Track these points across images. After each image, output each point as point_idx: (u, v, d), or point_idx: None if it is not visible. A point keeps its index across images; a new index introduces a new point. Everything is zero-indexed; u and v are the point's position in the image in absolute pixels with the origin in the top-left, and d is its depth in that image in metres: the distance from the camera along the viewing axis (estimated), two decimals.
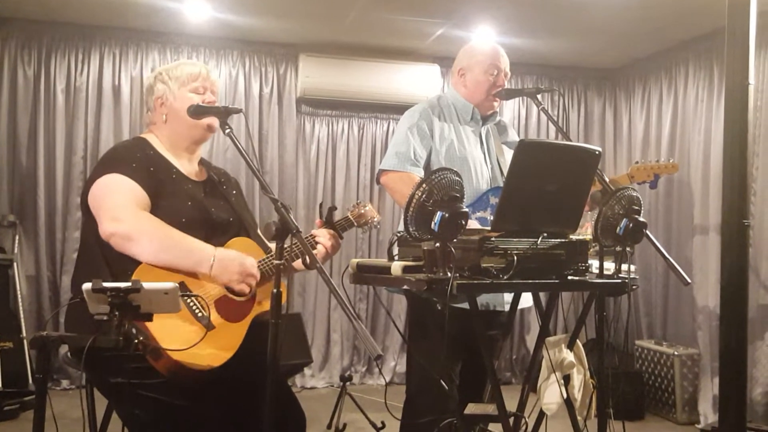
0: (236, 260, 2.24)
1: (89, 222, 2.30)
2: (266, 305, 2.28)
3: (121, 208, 2.20)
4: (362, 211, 2.72)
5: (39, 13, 5.25)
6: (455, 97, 3.19)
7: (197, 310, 2.18)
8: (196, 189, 2.42)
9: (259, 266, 2.31)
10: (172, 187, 2.34)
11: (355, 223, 2.68)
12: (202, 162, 2.59)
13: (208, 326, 2.15)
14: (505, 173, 3.06)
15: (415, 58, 5.94)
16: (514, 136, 3.32)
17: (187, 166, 2.48)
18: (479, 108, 3.16)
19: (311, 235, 2.49)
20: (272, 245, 2.37)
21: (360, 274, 2.42)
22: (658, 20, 5.01)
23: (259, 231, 2.63)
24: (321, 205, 2.67)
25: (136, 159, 2.32)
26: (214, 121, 2.42)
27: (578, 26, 5.23)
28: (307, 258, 2.35)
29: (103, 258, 2.22)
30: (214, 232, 2.34)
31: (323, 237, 2.49)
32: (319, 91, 5.82)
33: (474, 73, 3.15)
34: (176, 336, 2.07)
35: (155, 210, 2.26)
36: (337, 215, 2.64)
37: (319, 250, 2.49)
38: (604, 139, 6.46)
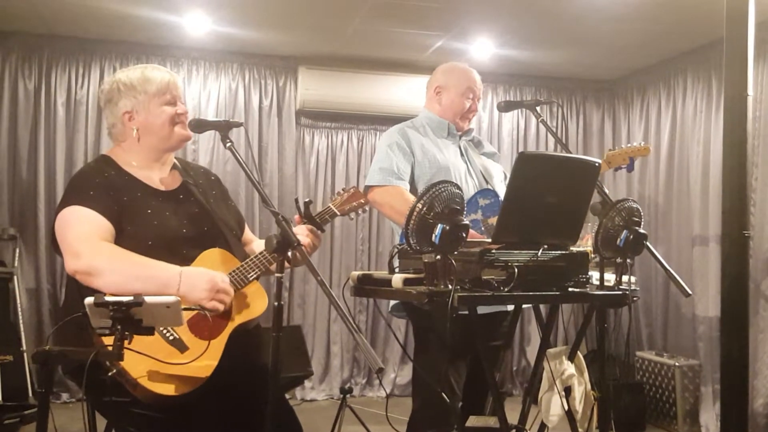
0: (204, 276, 2.14)
1: (60, 255, 2.25)
2: (247, 314, 2.24)
3: (80, 242, 2.13)
4: (346, 197, 2.62)
5: (39, 27, 5.26)
6: (429, 117, 3.26)
7: (168, 334, 2.13)
8: (165, 202, 2.34)
9: (231, 277, 2.24)
10: (137, 208, 2.27)
11: (338, 212, 2.58)
12: (176, 166, 2.48)
13: (182, 348, 2.11)
14: (490, 180, 3.11)
15: (413, 70, 5.96)
16: (489, 148, 3.40)
17: (156, 176, 2.39)
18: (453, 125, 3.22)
19: None
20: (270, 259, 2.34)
21: (361, 287, 2.42)
22: (656, 31, 5.03)
23: (248, 232, 2.59)
24: (297, 200, 2.52)
25: (95, 186, 2.24)
26: (189, 132, 2.38)
27: (576, 38, 5.25)
28: (297, 255, 2.22)
29: (78, 289, 2.16)
30: (186, 247, 2.27)
31: (301, 234, 2.36)
32: (318, 104, 5.84)
33: (450, 94, 3.23)
34: (148, 363, 2.01)
35: (120, 236, 2.20)
36: (319, 207, 2.56)
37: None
38: (603, 151, 6.45)
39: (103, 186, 2.25)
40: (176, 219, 2.32)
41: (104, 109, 2.42)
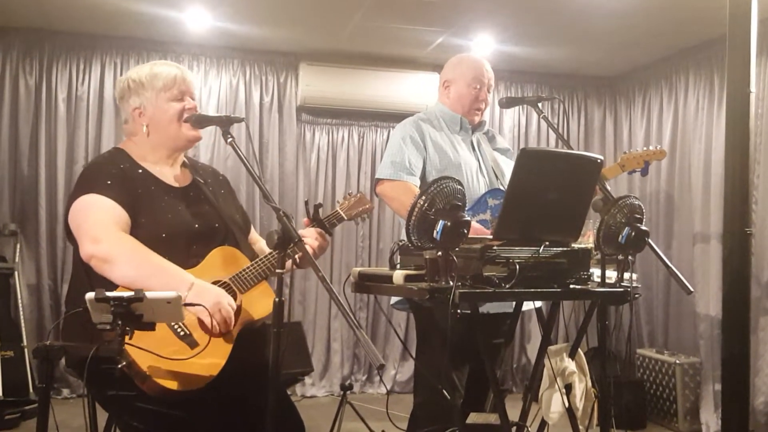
0: (213, 292, 2.15)
1: (73, 242, 2.26)
2: (254, 312, 2.25)
3: (100, 229, 2.15)
4: (353, 202, 2.64)
5: (40, 22, 5.26)
6: (442, 110, 3.24)
7: (179, 330, 2.13)
8: (177, 198, 2.36)
9: (243, 274, 2.27)
10: (151, 201, 2.28)
11: (346, 217, 2.61)
12: (186, 164, 2.51)
13: (192, 344, 2.11)
14: (501, 177, 3.10)
15: (414, 66, 5.95)
16: (503, 143, 3.38)
17: (169, 172, 2.41)
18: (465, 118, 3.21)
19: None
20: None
21: (362, 283, 2.41)
22: (658, 28, 5.02)
23: (253, 232, 2.60)
24: (306, 202, 2.55)
25: (111, 176, 2.26)
26: (198, 133, 2.38)
27: (578, 34, 5.24)
28: (297, 258, 2.32)
29: (87, 279, 2.17)
30: (197, 242, 2.29)
31: (310, 237, 2.39)
32: (319, 100, 5.83)
33: (458, 86, 3.22)
34: (158, 359, 2.02)
35: (135, 227, 2.22)
36: (327, 210, 2.58)
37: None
38: (604, 147, 6.46)
39: (119, 176, 2.27)
40: (188, 214, 2.34)
41: (119, 105, 2.46)
